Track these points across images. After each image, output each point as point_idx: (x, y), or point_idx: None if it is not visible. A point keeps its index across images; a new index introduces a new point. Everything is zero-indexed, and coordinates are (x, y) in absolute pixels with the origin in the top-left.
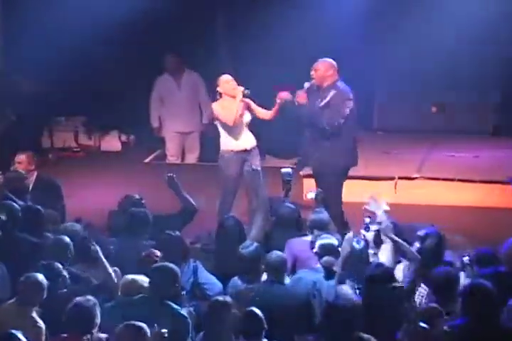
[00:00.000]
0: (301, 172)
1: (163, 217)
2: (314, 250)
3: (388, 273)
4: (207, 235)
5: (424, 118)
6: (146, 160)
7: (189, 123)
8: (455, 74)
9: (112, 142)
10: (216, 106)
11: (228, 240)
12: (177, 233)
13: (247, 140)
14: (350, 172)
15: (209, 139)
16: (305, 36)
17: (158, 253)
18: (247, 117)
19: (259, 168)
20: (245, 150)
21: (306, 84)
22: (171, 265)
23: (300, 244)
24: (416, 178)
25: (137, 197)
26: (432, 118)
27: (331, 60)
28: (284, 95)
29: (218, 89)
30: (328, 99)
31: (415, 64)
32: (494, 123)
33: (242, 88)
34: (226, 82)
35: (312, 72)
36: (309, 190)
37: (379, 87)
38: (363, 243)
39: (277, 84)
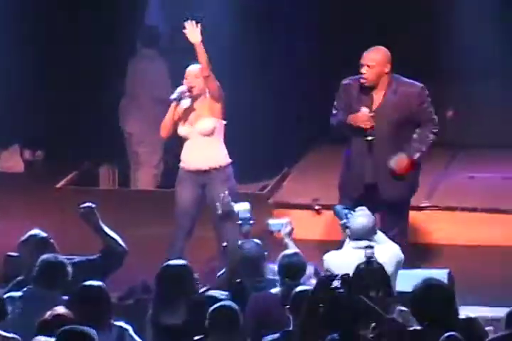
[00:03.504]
0: (270, 200)
1: (80, 263)
2: (287, 306)
3: None
4: (142, 287)
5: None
6: (59, 185)
7: None
8: (479, 67)
9: (12, 160)
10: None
11: (169, 292)
12: (99, 284)
13: (204, 157)
14: (327, 201)
15: None
16: None
17: (65, 311)
18: (204, 124)
19: (224, 197)
20: (199, 171)
21: (365, 110)
22: (87, 329)
23: (267, 300)
24: (425, 208)
25: (43, 235)
26: (447, 127)
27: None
28: None
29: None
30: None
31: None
32: None
33: (183, 87)
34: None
35: (365, 69)
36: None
37: None
38: None
39: None
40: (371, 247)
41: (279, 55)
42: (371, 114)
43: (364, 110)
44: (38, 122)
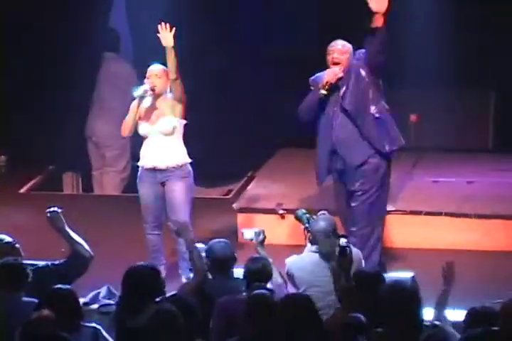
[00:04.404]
0: (234, 205)
1: (45, 267)
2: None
3: None
4: (108, 291)
5: (399, 130)
6: (22, 190)
7: None
8: (440, 71)
9: None
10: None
11: (134, 295)
12: (68, 287)
13: (162, 155)
14: (291, 205)
15: None
16: None
17: (49, 313)
18: (165, 123)
19: (178, 196)
20: (157, 169)
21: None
22: (65, 335)
23: (235, 304)
24: (390, 212)
25: (9, 239)
26: (411, 131)
27: None
28: None
29: None
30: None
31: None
32: (495, 135)
33: (147, 86)
34: (149, 75)
35: (342, 57)
36: (246, 227)
37: None
38: None
39: None
40: (345, 236)
41: (245, 57)
42: (340, 74)
43: (334, 68)
44: (1, 126)
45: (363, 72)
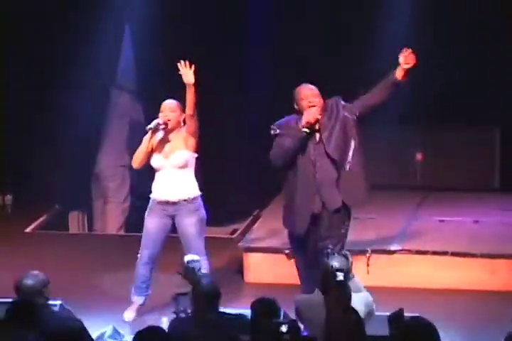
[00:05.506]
0: (240, 244)
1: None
2: None
3: None
4: (113, 331)
5: (405, 169)
6: (28, 229)
7: None
8: (444, 107)
9: None
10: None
11: None
12: (78, 324)
13: (175, 189)
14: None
15: None
16: None
17: None
18: (179, 157)
19: (191, 230)
20: (168, 203)
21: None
22: None
23: None
24: (395, 252)
25: (43, 277)
26: (417, 170)
27: None
28: None
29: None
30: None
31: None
32: (502, 174)
33: (158, 120)
34: (163, 109)
35: (317, 100)
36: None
37: None
38: None
39: None
40: (342, 270)
41: (252, 98)
42: (318, 116)
43: (312, 109)
44: (6, 166)
45: (351, 123)
